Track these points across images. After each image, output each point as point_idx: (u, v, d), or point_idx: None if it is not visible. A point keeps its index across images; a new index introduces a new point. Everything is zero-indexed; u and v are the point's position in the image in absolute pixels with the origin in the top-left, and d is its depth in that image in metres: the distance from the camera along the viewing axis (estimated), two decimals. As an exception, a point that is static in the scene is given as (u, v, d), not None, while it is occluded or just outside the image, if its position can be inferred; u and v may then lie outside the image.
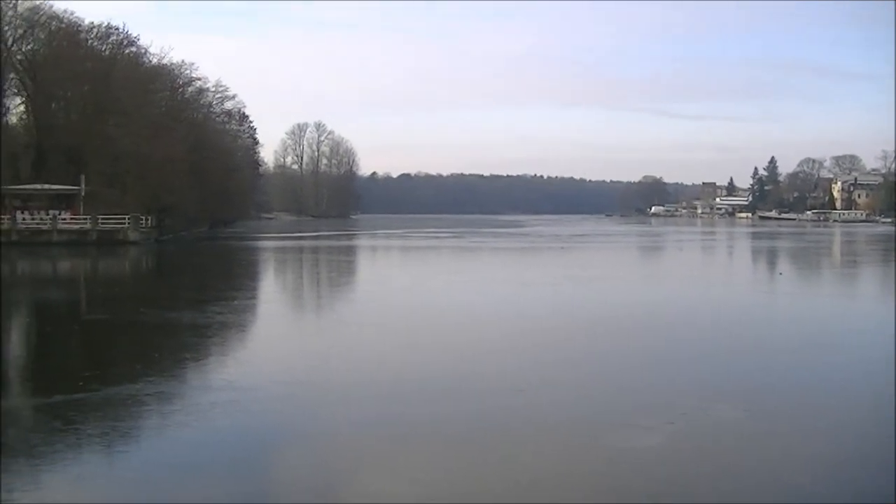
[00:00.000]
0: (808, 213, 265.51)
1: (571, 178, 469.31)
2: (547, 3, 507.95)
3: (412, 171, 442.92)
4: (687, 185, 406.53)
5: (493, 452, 15.29)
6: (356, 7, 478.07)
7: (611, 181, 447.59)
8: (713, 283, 53.29)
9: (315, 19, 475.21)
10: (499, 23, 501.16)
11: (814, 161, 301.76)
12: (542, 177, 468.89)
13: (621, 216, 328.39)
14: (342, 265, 69.17)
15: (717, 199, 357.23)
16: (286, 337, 29.79)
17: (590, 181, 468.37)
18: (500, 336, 28.88)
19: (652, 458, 14.84)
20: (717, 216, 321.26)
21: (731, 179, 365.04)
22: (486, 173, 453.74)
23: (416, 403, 18.65)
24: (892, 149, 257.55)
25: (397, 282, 52.92)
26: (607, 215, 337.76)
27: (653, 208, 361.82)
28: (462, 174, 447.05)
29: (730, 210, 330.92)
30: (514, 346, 26.84)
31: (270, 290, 50.78)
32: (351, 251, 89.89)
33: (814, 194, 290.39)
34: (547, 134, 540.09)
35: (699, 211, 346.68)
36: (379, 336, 28.97)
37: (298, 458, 15.10)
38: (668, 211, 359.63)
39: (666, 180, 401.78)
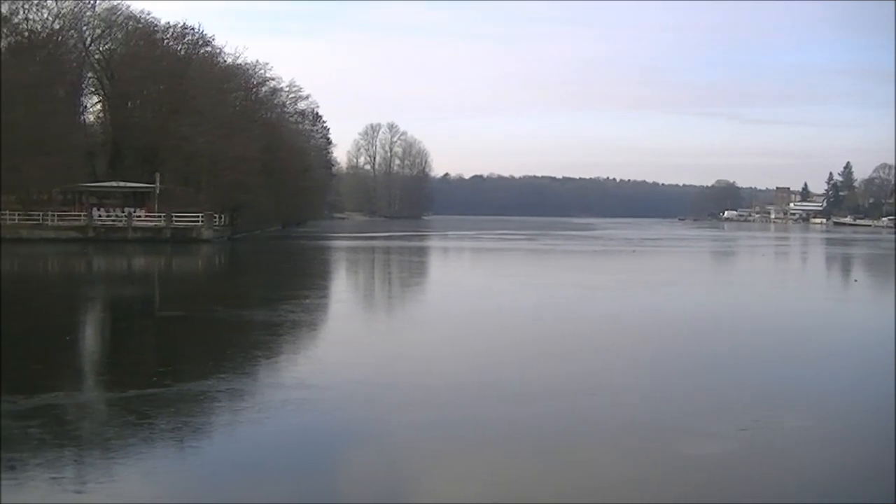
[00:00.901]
0: (884, 219, 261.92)
1: (644, 181, 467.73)
2: (618, 7, 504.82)
3: (484, 172, 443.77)
4: (760, 190, 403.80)
5: (564, 456, 15.23)
6: (429, 11, 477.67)
7: (683, 185, 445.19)
8: (786, 290, 52.83)
9: (389, 23, 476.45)
10: (571, 27, 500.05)
11: (890, 167, 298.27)
12: (614, 180, 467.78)
13: (694, 220, 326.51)
14: (413, 266, 69.27)
15: (791, 205, 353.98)
16: (357, 336, 29.86)
17: (662, 185, 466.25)
18: (570, 339, 28.83)
19: (727, 465, 14.74)
20: (790, 221, 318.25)
21: (806, 185, 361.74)
22: (559, 175, 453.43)
23: (486, 405, 18.59)
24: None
25: (468, 283, 52.97)
26: (680, 219, 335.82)
27: (725, 213, 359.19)
28: (534, 176, 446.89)
29: (804, 215, 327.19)
30: (584, 349, 26.78)
31: (342, 289, 50.97)
32: (422, 252, 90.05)
33: (889, 200, 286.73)
34: (620, 137, 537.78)
35: (772, 216, 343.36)
36: (449, 337, 29.02)
37: (368, 458, 15.10)
38: (740, 216, 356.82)
39: (739, 184, 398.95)
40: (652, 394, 20.22)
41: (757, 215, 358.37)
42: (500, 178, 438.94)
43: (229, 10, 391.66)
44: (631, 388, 20.82)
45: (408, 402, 19.01)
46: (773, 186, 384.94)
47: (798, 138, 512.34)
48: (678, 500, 13.15)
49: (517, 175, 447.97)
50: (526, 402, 18.87)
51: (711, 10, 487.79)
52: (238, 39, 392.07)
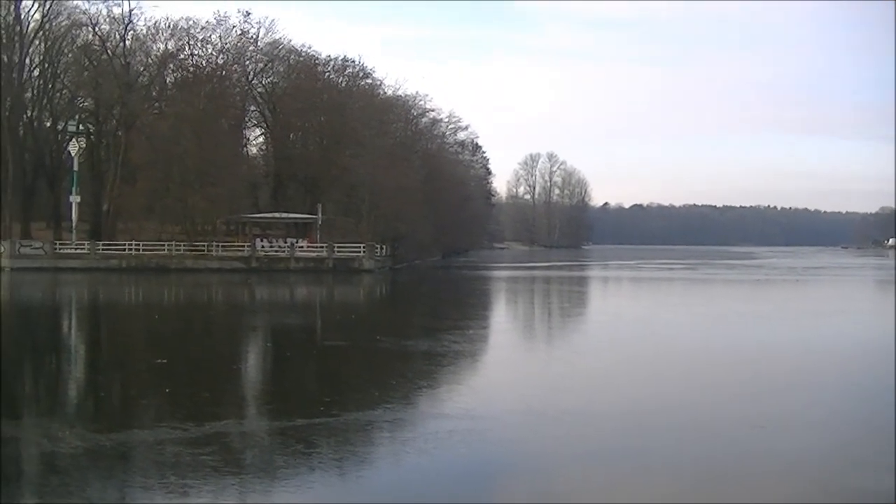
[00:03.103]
0: None
1: (805, 208, 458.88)
2: (781, 29, 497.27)
3: (644, 201, 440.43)
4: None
5: (737, 491, 14.94)
6: (591, 34, 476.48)
7: (846, 212, 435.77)
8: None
9: (548, 47, 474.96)
10: (729, 52, 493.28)
11: None
12: (775, 207, 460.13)
13: (857, 248, 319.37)
14: (574, 295, 68.91)
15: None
16: (520, 366, 29.71)
17: (824, 212, 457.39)
18: (735, 370, 28.27)
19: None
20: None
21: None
22: (719, 204, 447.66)
23: (652, 436, 18.30)
24: None
25: (630, 313, 52.50)
26: (843, 247, 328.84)
27: (890, 240, 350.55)
28: (694, 205, 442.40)
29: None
30: (751, 380, 26.21)
31: (503, 319, 50.88)
32: (583, 281, 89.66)
33: None
34: (781, 163, 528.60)
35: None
36: (611, 367, 28.72)
37: (537, 489, 14.99)
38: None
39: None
40: (824, 426, 19.73)
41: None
42: (660, 207, 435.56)
43: (391, 39, 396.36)
44: (804, 421, 20.35)
45: (574, 432, 18.79)
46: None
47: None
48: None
49: (677, 204, 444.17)
50: (693, 433, 18.59)
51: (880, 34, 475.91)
52: (398, 68, 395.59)
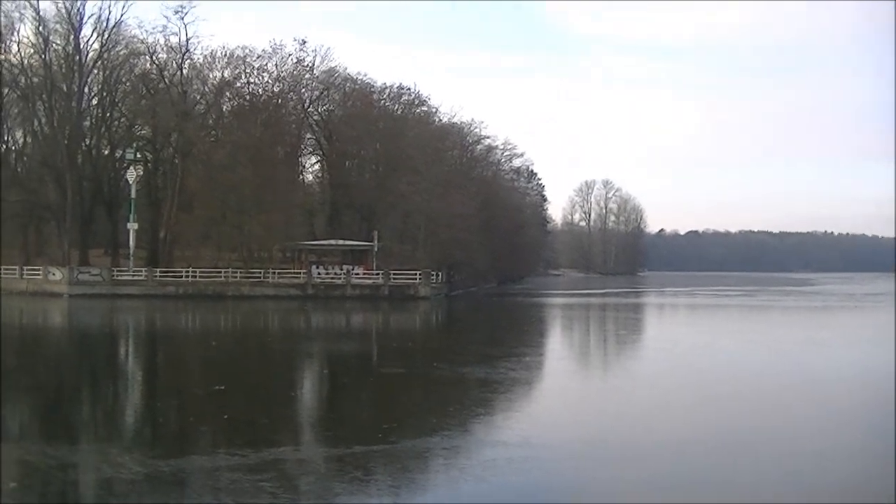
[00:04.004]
0: None
1: (864, 234, 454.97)
2: (840, 55, 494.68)
3: (700, 227, 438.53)
4: None
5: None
6: (645, 63, 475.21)
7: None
8: None
9: (603, 75, 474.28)
10: (786, 77, 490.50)
11: None
12: (832, 233, 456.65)
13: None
14: (630, 322, 68.57)
15: None
16: (578, 394, 29.55)
17: (882, 237, 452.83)
18: (799, 399, 27.99)
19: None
20: None
21: None
22: (776, 230, 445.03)
23: (713, 466, 18.18)
24: None
25: (686, 340, 52.13)
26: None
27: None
28: (751, 231, 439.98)
29: None
30: (816, 409, 26.00)
31: (560, 346, 50.73)
32: (638, 308, 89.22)
33: None
34: (839, 189, 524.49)
35: None
36: (669, 395, 28.49)
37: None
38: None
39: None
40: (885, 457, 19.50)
41: None
42: (716, 234, 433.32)
43: (444, 65, 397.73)
44: (867, 451, 20.12)
45: (634, 461, 18.66)
46: None
47: None
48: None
49: (733, 230, 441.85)
50: (759, 463, 18.36)
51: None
52: (453, 94, 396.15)
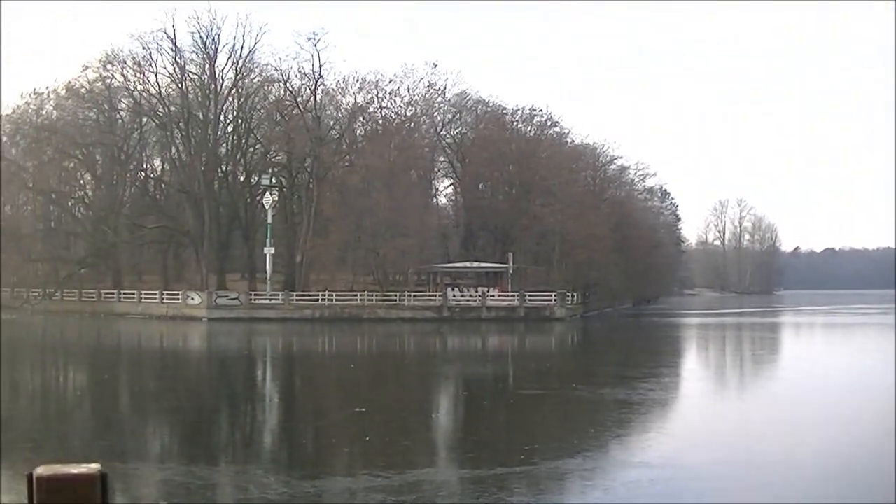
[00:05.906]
0: None
1: None
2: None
3: (836, 245, 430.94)
4: None
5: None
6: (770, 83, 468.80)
7: None
8: None
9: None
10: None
11: None
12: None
13: None
14: (767, 342, 67.66)
15: None
16: (719, 415, 29.25)
17: None
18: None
19: None
20: None
21: None
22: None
23: (855, 489, 17.87)
24: None
25: (825, 360, 51.35)
26: None
27: None
28: (889, 247, 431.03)
29: None
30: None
31: (697, 366, 50.32)
32: (775, 328, 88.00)
33: None
34: None
35: None
36: (811, 415, 28.10)
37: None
38: None
39: None
40: None
41: None
42: (853, 251, 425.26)
43: (568, 88, 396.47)
44: None
45: (780, 482, 18.39)
46: None
47: None
48: None
49: (871, 247, 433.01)
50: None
51: None
52: (580, 115, 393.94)
